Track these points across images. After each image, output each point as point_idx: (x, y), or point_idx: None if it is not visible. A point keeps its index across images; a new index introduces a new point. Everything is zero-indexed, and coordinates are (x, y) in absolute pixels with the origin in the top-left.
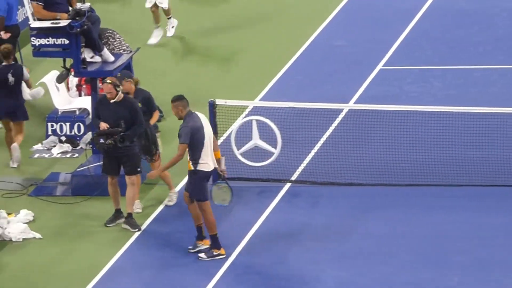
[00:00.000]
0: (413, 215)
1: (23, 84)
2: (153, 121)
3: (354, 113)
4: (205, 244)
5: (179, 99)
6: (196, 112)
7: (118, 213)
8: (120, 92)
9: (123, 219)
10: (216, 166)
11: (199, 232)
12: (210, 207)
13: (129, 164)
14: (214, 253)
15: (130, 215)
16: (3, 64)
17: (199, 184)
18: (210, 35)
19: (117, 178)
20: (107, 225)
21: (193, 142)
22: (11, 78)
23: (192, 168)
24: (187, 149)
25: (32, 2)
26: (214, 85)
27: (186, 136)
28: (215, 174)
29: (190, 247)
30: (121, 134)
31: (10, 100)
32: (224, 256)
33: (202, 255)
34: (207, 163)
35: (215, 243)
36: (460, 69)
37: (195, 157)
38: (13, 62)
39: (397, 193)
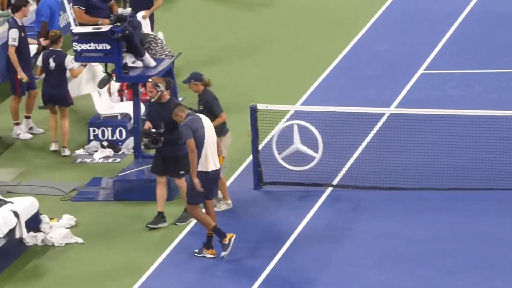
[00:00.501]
0: (456, 219)
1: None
2: (216, 123)
3: (396, 117)
4: (211, 253)
5: (175, 107)
6: (199, 115)
7: (160, 216)
8: (162, 93)
9: (165, 223)
10: (217, 168)
11: (208, 240)
12: (199, 212)
13: (173, 166)
14: (204, 252)
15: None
16: (50, 48)
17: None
18: (251, 40)
19: (166, 178)
20: (148, 225)
21: (195, 141)
22: (52, 63)
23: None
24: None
25: (74, 7)
26: (256, 89)
27: (187, 132)
28: None
29: (196, 250)
30: (154, 135)
31: (51, 85)
32: (213, 256)
33: (196, 250)
34: (207, 163)
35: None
36: (503, 72)
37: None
38: (59, 49)
39: (439, 197)
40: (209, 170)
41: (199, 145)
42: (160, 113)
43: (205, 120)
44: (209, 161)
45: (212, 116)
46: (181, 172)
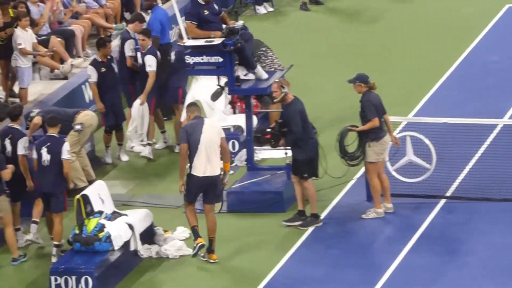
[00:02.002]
0: None
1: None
2: (366, 127)
3: (509, 128)
4: (211, 258)
5: (188, 106)
6: (205, 119)
7: (300, 214)
8: (286, 94)
9: (300, 222)
10: (211, 175)
11: (209, 245)
12: (187, 210)
13: (296, 168)
14: (206, 256)
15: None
16: None
17: (189, 187)
18: (362, 51)
19: (299, 177)
20: (283, 222)
21: (189, 144)
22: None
23: (189, 171)
24: None
25: (186, 21)
26: None
27: (182, 136)
28: None
29: (202, 254)
30: (257, 134)
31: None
32: (214, 261)
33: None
34: (198, 169)
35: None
36: None
37: (189, 161)
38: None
39: None
40: (196, 175)
41: (192, 150)
42: (282, 113)
43: (209, 125)
44: (200, 166)
45: (366, 119)
46: (305, 175)
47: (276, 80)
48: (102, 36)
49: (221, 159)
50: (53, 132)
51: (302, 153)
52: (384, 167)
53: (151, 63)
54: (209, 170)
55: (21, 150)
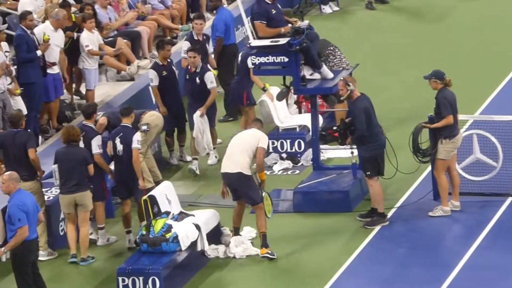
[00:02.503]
0: None
1: None
2: (440, 124)
3: None
4: (262, 252)
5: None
6: (253, 127)
7: (372, 211)
8: (352, 91)
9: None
10: (229, 171)
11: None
12: (235, 211)
13: (361, 165)
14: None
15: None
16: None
17: None
18: (427, 49)
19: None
20: (358, 217)
21: None
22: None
23: None
24: None
25: (256, 22)
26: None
27: None
28: None
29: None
30: (322, 132)
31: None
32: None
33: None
34: (222, 165)
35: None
36: None
37: None
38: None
39: None
40: (223, 171)
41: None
42: (348, 111)
43: (248, 132)
44: (223, 163)
45: (440, 116)
46: (368, 173)
47: (341, 78)
48: (163, 38)
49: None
50: (126, 122)
51: (366, 151)
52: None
53: (212, 80)
54: (227, 166)
55: (95, 149)
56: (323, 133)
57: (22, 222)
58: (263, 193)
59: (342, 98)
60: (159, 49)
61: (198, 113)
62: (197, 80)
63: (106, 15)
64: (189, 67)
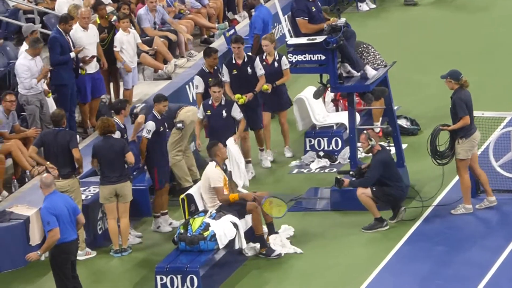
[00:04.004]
0: None
1: None
2: (458, 125)
3: None
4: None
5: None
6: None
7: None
8: (373, 147)
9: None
10: None
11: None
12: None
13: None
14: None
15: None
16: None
17: None
18: (466, 46)
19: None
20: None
21: None
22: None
23: None
24: None
25: (298, 18)
26: (472, 96)
27: None
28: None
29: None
30: (337, 177)
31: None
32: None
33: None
34: None
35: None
36: None
37: None
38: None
39: None
40: None
41: None
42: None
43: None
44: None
45: (457, 117)
46: (375, 196)
47: (365, 132)
48: (211, 46)
49: None
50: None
51: (386, 193)
52: (488, 162)
53: (239, 109)
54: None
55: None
56: (338, 177)
57: (51, 225)
58: (264, 200)
59: (362, 151)
60: (206, 56)
61: (232, 140)
62: (224, 113)
63: (152, 18)
64: (210, 102)
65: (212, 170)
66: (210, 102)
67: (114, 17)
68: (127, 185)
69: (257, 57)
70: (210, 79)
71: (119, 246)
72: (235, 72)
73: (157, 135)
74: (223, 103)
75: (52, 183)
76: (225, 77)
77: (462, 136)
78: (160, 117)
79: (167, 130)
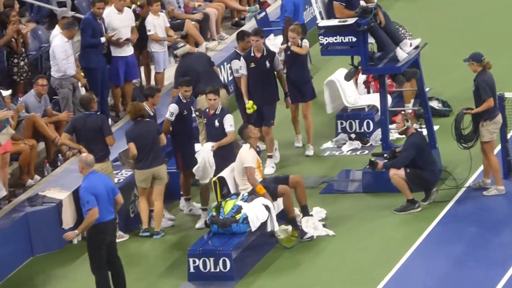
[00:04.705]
0: None
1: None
2: (482, 108)
3: None
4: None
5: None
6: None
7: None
8: (408, 128)
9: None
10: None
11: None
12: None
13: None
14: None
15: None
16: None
17: None
18: (498, 29)
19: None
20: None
21: None
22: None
23: None
24: None
25: (335, 2)
26: (504, 79)
27: None
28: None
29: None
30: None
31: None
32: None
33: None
34: None
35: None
36: None
37: None
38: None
39: None
40: None
41: None
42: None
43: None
44: None
45: (480, 99)
46: (409, 183)
47: (403, 112)
48: (244, 30)
49: None
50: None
51: (419, 175)
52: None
53: (232, 123)
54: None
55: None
56: (372, 159)
57: (90, 205)
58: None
59: (397, 131)
60: (239, 40)
61: (209, 145)
62: (216, 123)
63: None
64: (207, 110)
65: (246, 151)
66: (207, 109)
67: (134, 6)
68: (163, 168)
69: (276, 54)
70: (252, 63)
71: (148, 226)
72: (253, 65)
73: (181, 118)
74: (217, 112)
75: (93, 162)
76: (243, 70)
77: (486, 118)
78: (185, 101)
79: (193, 115)
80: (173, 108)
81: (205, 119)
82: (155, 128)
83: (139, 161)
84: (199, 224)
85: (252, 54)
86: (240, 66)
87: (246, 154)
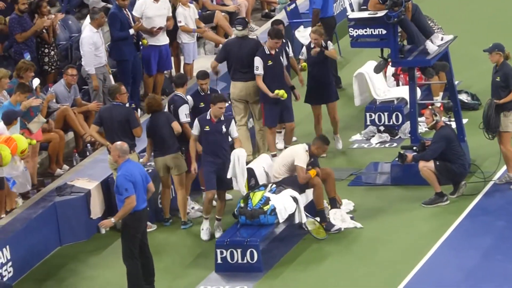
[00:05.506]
0: None
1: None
2: (510, 97)
3: None
4: None
5: None
6: None
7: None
8: (437, 122)
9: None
10: None
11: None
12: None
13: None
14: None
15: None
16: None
17: None
18: None
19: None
20: (423, 204)
21: None
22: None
23: None
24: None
25: None
26: None
27: None
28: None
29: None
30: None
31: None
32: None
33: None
34: None
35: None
36: None
37: None
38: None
39: None
40: None
41: None
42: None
43: None
44: None
45: (507, 89)
46: (438, 176)
47: (430, 107)
48: (275, 27)
49: None
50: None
51: (448, 168)
52: None
53: (236, 128)
54: None
55: (182, 118)
56: (402, 152)
57: (129, 192)
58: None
59: (427, 127)
60: (272, 37)
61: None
62: (223, 129)
63: None
64: (208, 118)
65: (303, 152)
66: (208, 117)
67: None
68: (178, 157)
69: (287, 41)
70: (269, 61)
71: (168, 215)
72: (270, 63)
73: (197, 110)
74: (222, 118)
75: (128, 150)
76: (259, 70)
77: (510, 109)
78: (203, 93)
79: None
80: (185, 108)
81: (206, 127)
82: (165, 118)
83: (155, 150)
84: (205, 237)
85: (268, 52)
86: (257, 66)
87: (301, 153)
